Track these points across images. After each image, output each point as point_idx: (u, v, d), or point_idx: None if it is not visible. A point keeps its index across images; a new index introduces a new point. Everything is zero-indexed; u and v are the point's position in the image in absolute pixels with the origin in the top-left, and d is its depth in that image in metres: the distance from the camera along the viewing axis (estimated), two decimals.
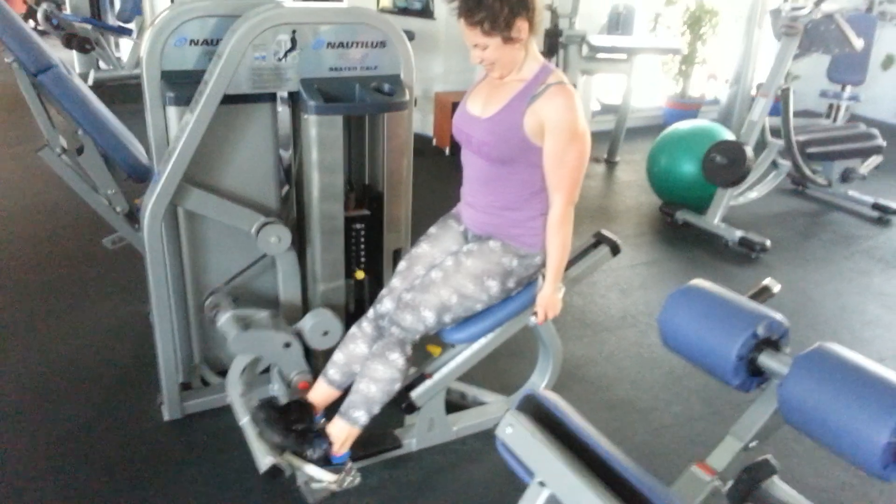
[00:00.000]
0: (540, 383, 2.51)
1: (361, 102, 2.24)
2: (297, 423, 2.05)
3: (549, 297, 2.08)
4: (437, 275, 2.05)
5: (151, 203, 2.12)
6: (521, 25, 1.85)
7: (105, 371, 2.71)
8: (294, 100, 2.31)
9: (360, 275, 2.49)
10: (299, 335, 2.29)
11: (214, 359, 2.56)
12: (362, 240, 2.46)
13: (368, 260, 2.50)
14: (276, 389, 2.41)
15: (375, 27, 2.21)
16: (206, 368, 2.55)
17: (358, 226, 2.43)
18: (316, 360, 2.41)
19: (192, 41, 2.18)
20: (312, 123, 2.16)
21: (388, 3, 6.13)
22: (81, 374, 2.68)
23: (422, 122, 5.88)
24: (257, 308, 2.36)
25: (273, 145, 2.34)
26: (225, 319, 2.25)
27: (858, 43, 4.22)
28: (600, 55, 5.41)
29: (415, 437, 2.33)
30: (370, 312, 2.19)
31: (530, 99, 1.90)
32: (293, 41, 2.11)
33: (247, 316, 2.29)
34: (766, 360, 1.62)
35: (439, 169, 5.36)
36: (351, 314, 2.53)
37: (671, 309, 1.78)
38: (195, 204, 2.21)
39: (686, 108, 6.74)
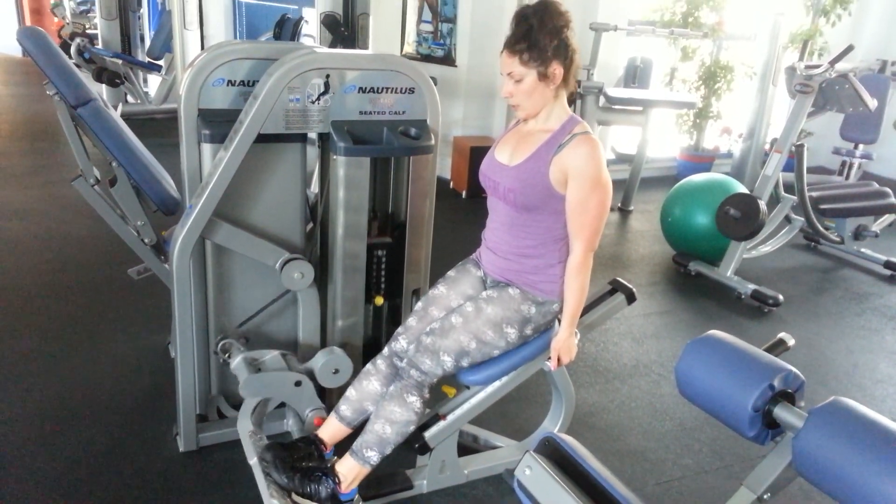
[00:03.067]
0: (552, 429, 2.51)
1: (389, 145, 2.31)
2: (304, 460, 2.07)
3: (565, 343, 2.11)
4: (458, 320, 2.08)
5: (182, 235, 2.17)
6: (557, 69, 1.95)
7: (122, 400, 2.73)
8: (323, 140, 2.37)
9: (379, 300, 2.53)
10: (311, 373, 2.30)
11: (231, 391, 2.57)
12: (383, 266, 2.50)
13: (388, 286, 2.54)
14: (291, 425, 2.43)
15: (406, 74, 2.29)
16: (223, 400, 2.56)
17: (379, 252, 2.48)
18: (330, 395, 2.44)
19: (229, 82, 2.26)
20: (341, 164, 2.22)
21: (412, 50, 6.29)
22: (99, 402, 2.71)
23: (440, 165, 5.96)
24: (269, 348, 2.36)
25: (301, 183, 2.39)
26: (237, 363, 2.26)
27: (872, 103, 4.29)
28: (617, 106, 5.52)
29: (426, 478, 2.32)
30: (385, 350, 2.22)
31: (557, 148, 1.96)
32: (327, 85, 2.19)
33: (257, 358, 2.29)
34: (781, 412, 1.63)
35: (455, 212, 5.43)
36: (368, 342, 2.57)
37: (688, 358, 1.79)
38: (223, 238, 2.27)
39: (699, 160, 6.83)
